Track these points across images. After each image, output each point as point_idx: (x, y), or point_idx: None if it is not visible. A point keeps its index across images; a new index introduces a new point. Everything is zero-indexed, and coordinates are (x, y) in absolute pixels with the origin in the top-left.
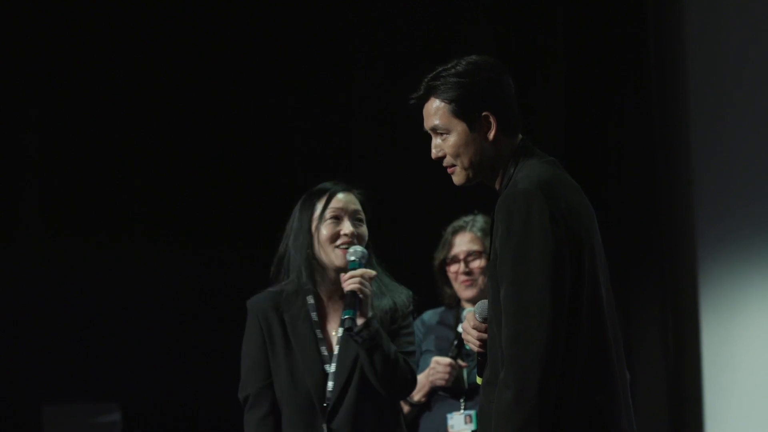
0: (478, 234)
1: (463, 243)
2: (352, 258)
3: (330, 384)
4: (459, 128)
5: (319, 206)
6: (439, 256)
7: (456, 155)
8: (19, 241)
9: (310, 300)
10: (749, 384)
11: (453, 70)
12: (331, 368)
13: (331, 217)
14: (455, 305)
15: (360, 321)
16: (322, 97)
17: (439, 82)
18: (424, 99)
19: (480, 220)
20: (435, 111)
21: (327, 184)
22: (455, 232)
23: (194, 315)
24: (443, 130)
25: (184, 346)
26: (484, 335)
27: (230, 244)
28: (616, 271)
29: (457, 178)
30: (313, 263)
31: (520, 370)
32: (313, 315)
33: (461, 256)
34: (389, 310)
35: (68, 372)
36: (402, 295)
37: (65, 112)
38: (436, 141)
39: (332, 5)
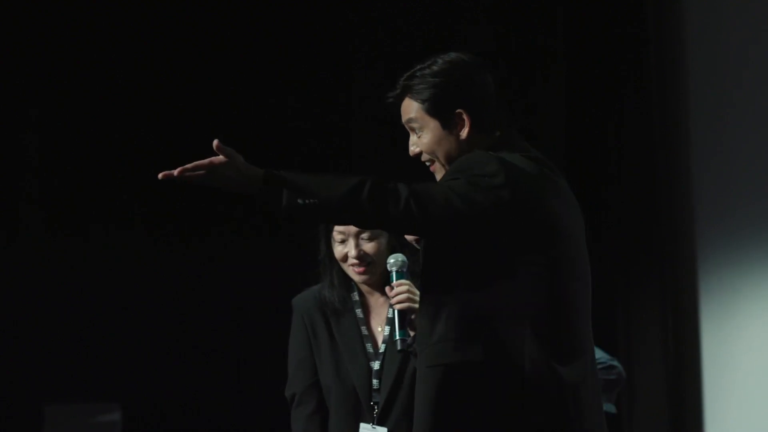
0: None
1: None
2: (394, 269)
3: (375, 382)
4: (432, 125)
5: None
6: None
7: (431, 152)
8: (20, 240)
9: (355, 297)
10: (749, 384)
11: (428, 69)
12: (376, 365)
13: (338, 240)
14: None
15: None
16: (322, 97)
17: (414, 81)
18: (401, 98)
19: None
20: (410, 109)
21: None
22: None
23: (195, 315)
24: (418, 127)
25: (185, 346)
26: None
27: (232, 244)
28: (616, 271)
29: (438, 174)
30: (342, 272)
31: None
32: (358, 311)
33: None
34: None
35: (69, 372)
36: None
37: (65, 111)
38: (412, 138)
39: (332, 5)
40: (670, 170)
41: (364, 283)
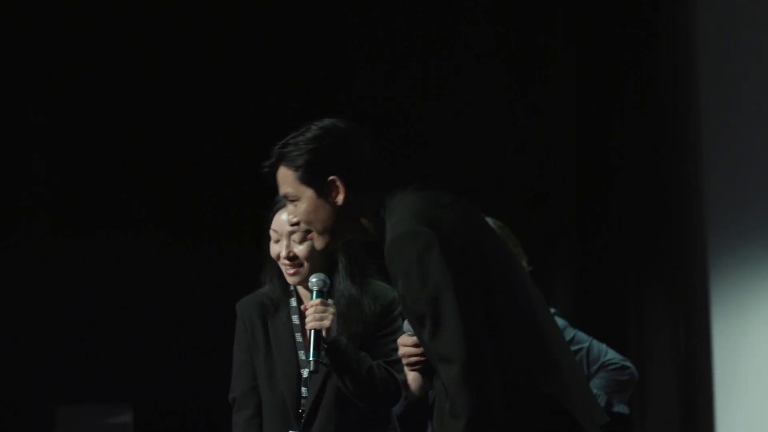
0: None
1: None
2: (315, 288)
3: (304, 390)
4: (307, 194)
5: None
6: None
7: (308, 221)
8: (28, 245)
9: (293, 302)
10: (760, 384)
11: (301, 136)
12: (305, 373)
13: (273, 239)
14: None
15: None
16: (322, 97)
17: (287, 149)
18: (275, 166)
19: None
20: (284, 178)
21: (279, 197)
22: None
23: (206, 316)
24: (293, 197)
25: (196, 347)
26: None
27: (237, 243)
28: (628, 271)
29: (317, 243)
30: (281, 273)
31: (462, 400)
32: (294, 318)
33: None
34: (375, 315)
35: (81, 373)
36: (388, 297)
37: (68, 115)
38: (289, 207)
39: (332, 5)
40: (681, 171)
41: (298, 284)
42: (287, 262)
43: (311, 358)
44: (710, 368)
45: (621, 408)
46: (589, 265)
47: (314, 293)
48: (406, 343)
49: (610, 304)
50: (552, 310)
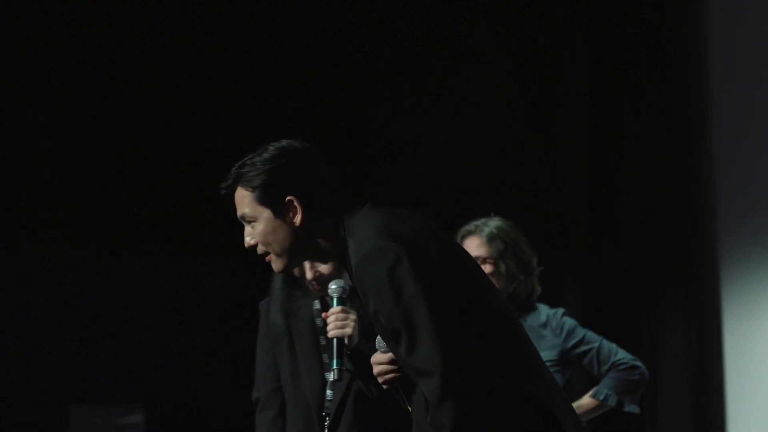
0: (485, 239)
1: (470, 248)
2: (335, 295)
3: (329, 393)
4: (264, 215)
5: None
6: None
7: (266, 243)
8: (43, 249)
9: (317, 305)
10: None
11: (258, 157)
12: (330, 376)
13: None
14: None
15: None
16: (322, 97)
17: (244, 170)
18: (233, 187)
19: (491, 224)
20: (241, 199)
21: None
22: (464, 237)
23: (217, 317)
24: (251, 218)
25: (207, 348)
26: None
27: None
28: (639, 271)
29: (275, 265)
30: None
31: (444, 411)
32: (318, 321)
33: None
34: None
35: (93, 373)
36: None
37: (77, 128)
38: (247, 229)
39: (332, 5)
40: (693, 171)
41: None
42: (313, 283)
43: (334, 367)
44: (722, 368)
45: (631, 408)
46: (601, 265)
47: (334, 300)
48: (381, 361)
49: (622, 304)
50: (561, 311)
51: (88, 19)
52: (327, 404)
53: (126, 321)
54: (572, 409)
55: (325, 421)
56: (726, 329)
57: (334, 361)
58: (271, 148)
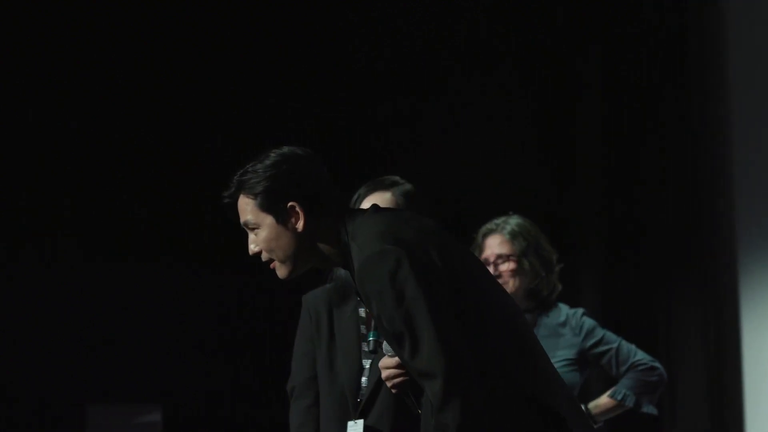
0: (507, 236)
1: (493, 246)
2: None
3: (364, 379)
4: (267, 221)
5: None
6: None
7: (269, 249)
8: (61, 250)
9: None
10: None
11: (259, 165)
12: (367, 363)
13: None
14: None
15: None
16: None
17: (246, 177)
18: (235, 196)
19: (512, 221)
20: (244, 207)
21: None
22: (486, 235)
23: (234, 318)
24: (254, 225)
25: (225, 347)
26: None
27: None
28: (657, 272)
29: (279, 272)
30: None
31: (448, 413)
32: (361, 311)
33: (491, 259)
34: None
35: (111, 373)
36: None
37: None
38: (250, 237)
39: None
40: (711, 173)
41: None
42: None
43: (370, 338)
44: (740, 369)
45: (649, 409)
46: (619, 266)
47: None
48: (388, 365)
49: (640, 305)
50: (581, 310)
51: (90, 23)
52: (362, 391)
53: (144, 321)
54: (580, 410)
55: (359, 407)
56: (744, 330)
57: (371, 333)
58: (272, 154)
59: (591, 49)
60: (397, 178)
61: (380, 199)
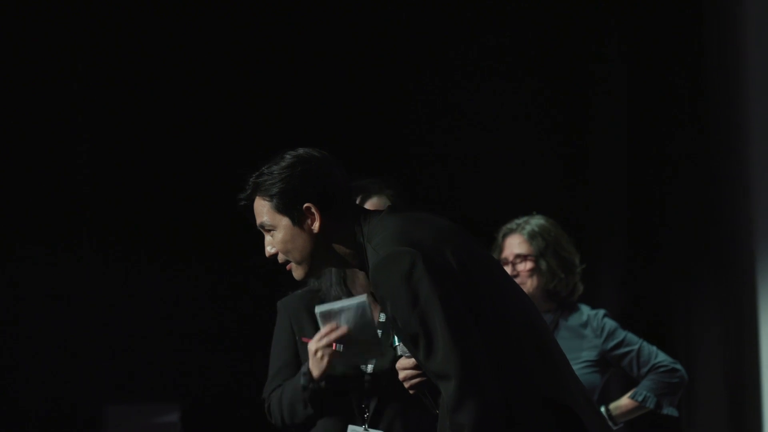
0: (526, 236)
1: (512, 245)
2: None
3: (366, 385)
4: (283, 223)
5: None
6: None
7: (285, 251)
8: (79, 250)
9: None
10: None
11: (274, 167)
12: (369, 368)
13: None
14: None
15: None
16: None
17: (262, 179)
18: (251, 197)
19: (533, 222)
20: (260, 209)
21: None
22: (506, 235)
23: (252, 316)
24: (270, 226)
25: (243, 347)
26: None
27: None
28: (676, 273)
29: (296, 273)
30: (341, 273)
31: (463, 414)
32: (382, 316)
33: (510, 259)
34: None
35: (130, 373)
36: None
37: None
38: (267, 238)
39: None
40: (730, 173)
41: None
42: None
43: (396, 344)
44: (758, 370)
45: (670, 410)
46: (638, 267)
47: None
48: (405, 366)
49: (658, 306)
50: (602, 312)
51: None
52: (366, 396)
53: (162, 321)
54: (598, 411)
55: (365, 413)
56: (762, 331)
57: (396, 337)
58: (287, 156)
59: (613, 55)
60: (379, 179)
61: (378, 204)
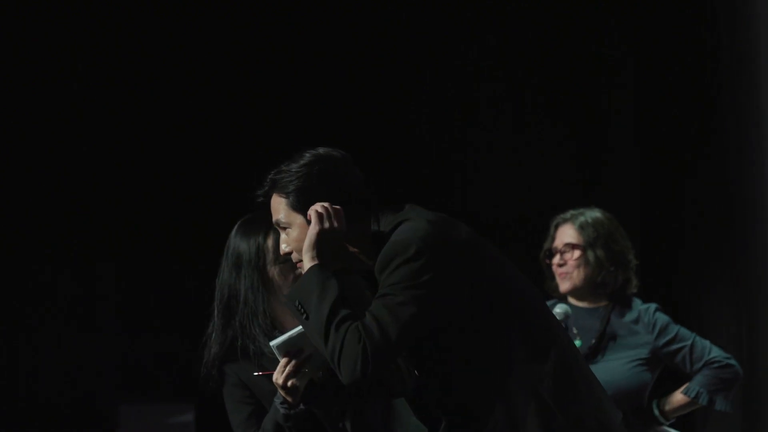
0: (577, 227)
1: (562, 235)
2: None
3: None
4: (298, 221)
5: None
6: (544, 248)
7: (299, 250)
8: (94, 250)
9: None
10: None
11: (292, 164)
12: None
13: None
14: (562, 297)
15: None
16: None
17: (280, 176)
18: (269, 194)
19: (587, 213)
20: (276, 206)
21: None
22: (558, 225)
23: None
24: (285, 224)
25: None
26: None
27: None
28: (689, 273)
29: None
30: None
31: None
32: None
33: (559, 248)
34: None
35: (144, 373)
36: None
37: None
38: (282, 236)
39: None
40: (743, 175)
41: None
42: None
43: None
44: None
45: (724, 406)
46: (652, 267)
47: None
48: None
49: (672, 305)
50: (653, 306)
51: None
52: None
53: (176, 320)
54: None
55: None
56: None
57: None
58: (306, 154)
59: (624, 58)
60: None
61: None
